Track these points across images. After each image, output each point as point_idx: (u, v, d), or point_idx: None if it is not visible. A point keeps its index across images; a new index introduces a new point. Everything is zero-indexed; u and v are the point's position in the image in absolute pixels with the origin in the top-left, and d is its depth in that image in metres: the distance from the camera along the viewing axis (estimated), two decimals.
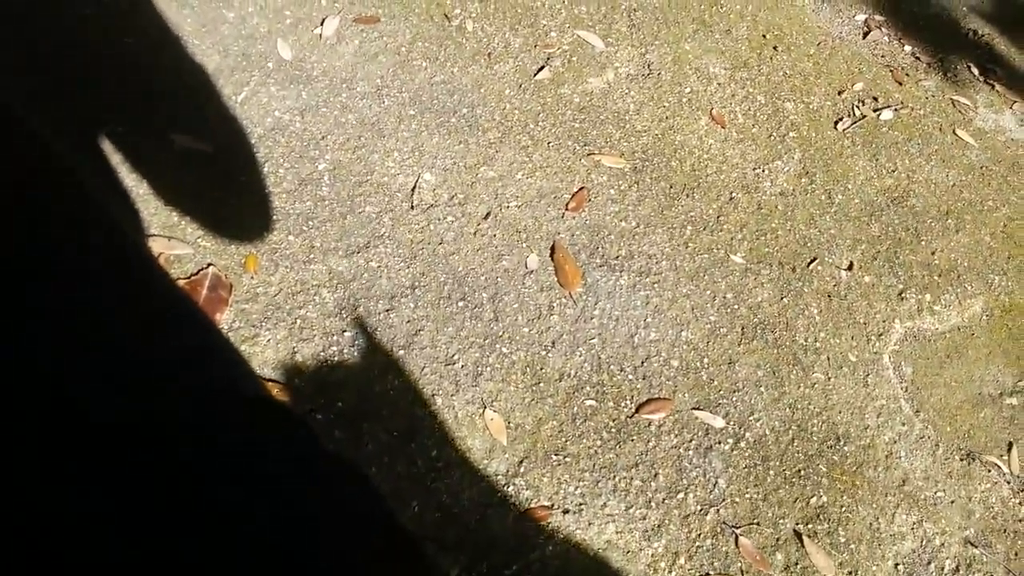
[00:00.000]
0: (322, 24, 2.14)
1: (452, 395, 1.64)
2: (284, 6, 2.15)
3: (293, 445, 0.50)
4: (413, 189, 1.91)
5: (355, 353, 1.65)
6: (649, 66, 2.35)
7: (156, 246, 1.67)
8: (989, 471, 1.84)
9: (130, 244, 0.51)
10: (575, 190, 2.01)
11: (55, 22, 1.92)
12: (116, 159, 1.77)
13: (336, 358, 1.63)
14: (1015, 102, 2.67)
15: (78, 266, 0.45)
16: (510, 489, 1.56)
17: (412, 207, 1.88)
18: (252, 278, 1.69)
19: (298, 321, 1.66)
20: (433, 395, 1.63)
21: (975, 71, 2.73)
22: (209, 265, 1.68)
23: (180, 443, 0.41)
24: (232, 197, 1.79)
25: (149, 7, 2.03)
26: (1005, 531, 1.77)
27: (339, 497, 0.47)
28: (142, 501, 0.38)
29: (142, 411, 0.40)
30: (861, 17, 2.79)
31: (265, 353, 1.60)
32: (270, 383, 1.57)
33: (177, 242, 1.69)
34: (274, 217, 1.79)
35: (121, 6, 2.00)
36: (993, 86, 2.70)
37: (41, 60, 1.86)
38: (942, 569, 1.68)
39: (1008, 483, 1.84)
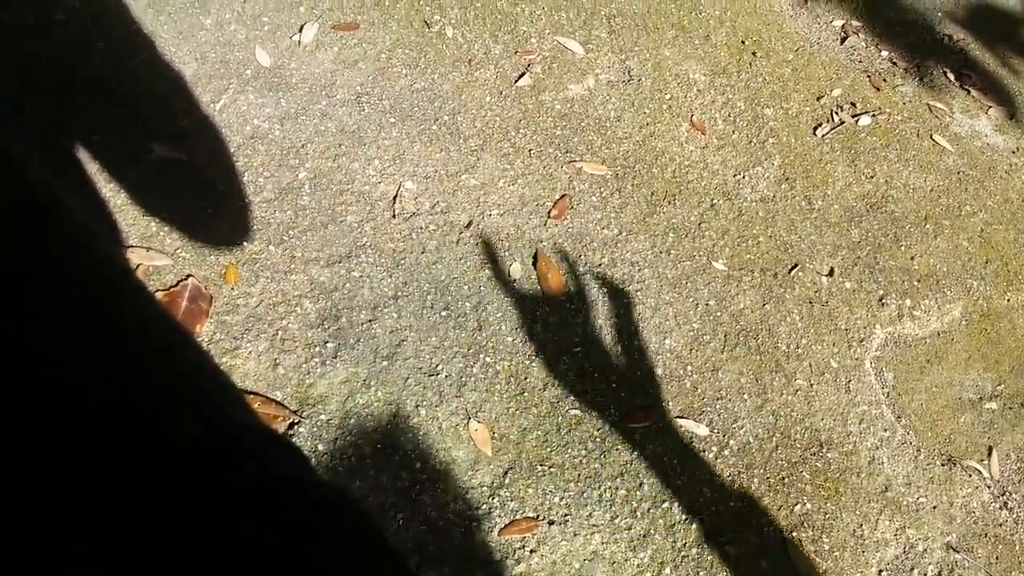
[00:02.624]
0: (301, 31, 2.12)
1: (436, 406, 1.63)
2: (262, 12, 2.13)
3: (281, 473, 0.49)
4: (395, 197, 1.89)
5: (337, 364, 1.63)
6: (629, 72, 2.35)
7: (135, 257, 1.65)
8: (970, 476, 1.85)
9: (108, 262, 0.49)
10: (557, 198, 2.01)
11: (26, 28, 1.89)
12: (92, 168, 1.74)
13: (318, 370, 1.61)
14: (990, 107, 2.71)
15: (53, 287, 0.43)
16: (495, 501, 1.55)
17: (394, 216, 1.87)
18: (232, 289, 1.67)
19: (279, 332, 1.64)
20: (417, 406, 1.62)
21: (951, 76, 2.76)
22: (188, 276, 1.65)
23: (160, 476, 0.39)
24: (211, 207, 1.76)
25: (124, 13, 2.00)
26: (986, 536, 1.78)
27: (328, 527, 0.46)
28: (123, 536, 0.36)
29: (116, 444, 0.39)
30: (838, 23, 2.81)
31: (246, 365, 1.58)
32: (251, 395, 1.55)
33: (156, 253, 1.67)
34: (254, 227, 1.77)
35: (95, 12, 1.97)
36: (969, 91, 2.73)
37: (12, 67, 1.82)
38: (925, 575, 1.69)
39: (988, 488, 1.85)
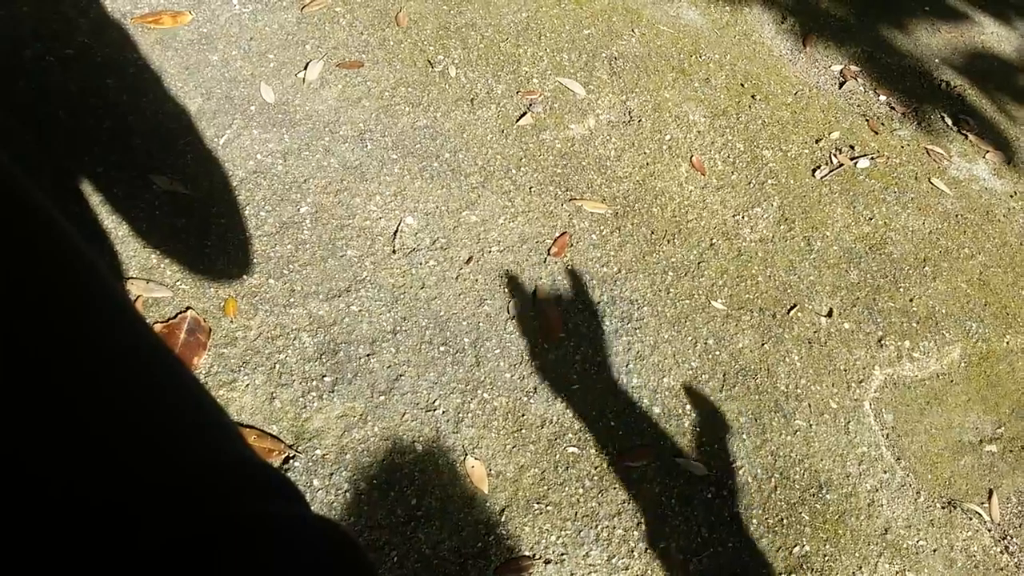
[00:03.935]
0: (306, 68, 2.15)
1: (433, 442, 1.62)
2: (268, 50, 2.16)
3: (276, 510, 0.48)
4: (395, 233, 1.91)
5: (335, 399, 1.62)
6: (630, 113, 2.38)
7: (135, 289, 1.65)
8: (970, 519, 1.84)
9: (111, 297, 0.50)
10: (557, 235, 2.02)
11: (37, 63, 1.92)
12: (95, 200, 1.75)
13: (315, 404, 1.61)
14: (988, 151, 2.73)
15: (51, 323, 0.43)
16: (491, 539, 1.53)
17: (394, 251, 1.88)
18: (231, 322, 1.67)
19: (277, 366, 1.64)
20: (414, 442, 1.61)
21: (948, 121, 2.79)
22: (188, 308, 1.66)
23: (151, 510, 0.39)
24: (212, 240, 1.77)
25: (133, 50, 2.03)
26: None
27: (322, 565, 0.46)
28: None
29: (112, 485, 0.39)
30: (837, 67, 2.85)
31: (243, 399, 1.58)
32: (247, 429, 1.55)
33: (156, 285, 1.67)
34: (254, 260, 1.78)
35: (105, 48, 2.00)
36: (966, 136, 2.75)
37: (21, 100, 1.85)
38: None
39: (989, 531, 1.83)
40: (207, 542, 0.39)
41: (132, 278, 1.67)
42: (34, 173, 1.74)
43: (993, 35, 3.21)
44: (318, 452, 1.55)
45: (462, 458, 1.61)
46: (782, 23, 2.94)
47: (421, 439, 1.62)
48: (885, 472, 1.85)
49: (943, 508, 1.84)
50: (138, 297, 1.64)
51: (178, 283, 1.69)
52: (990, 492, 1.90)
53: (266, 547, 0.42)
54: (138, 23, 2.09)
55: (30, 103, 1.85)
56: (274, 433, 1.55)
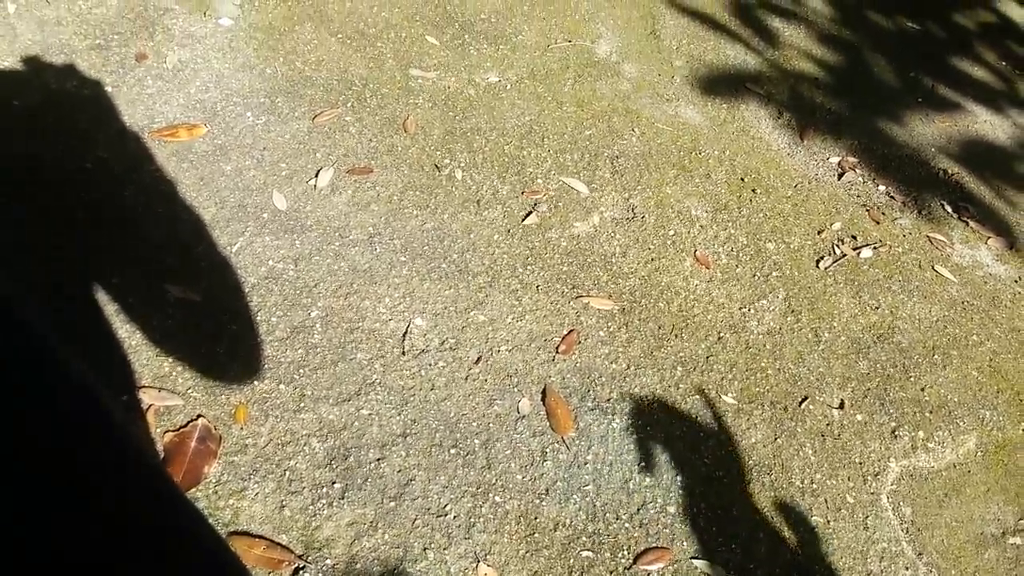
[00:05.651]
0: (317, 175, 2.22)
1: (444, 549, 1.59)
2: (280, 159, 2.23)
3: None
4: (404, 335, 1.92)
5: (345, 506, 1.61)
6: (633, 210, 2.42)
7: (147, 398, 1.66)
8: None
9: (127, 446, 0.51)
10: (565, 333, 2.03)
11: (56, 175, 1.98)
12: (110, 310, 1.78)
13: (325, 511, 1.59)
14: (989, 237, 2.76)
15: (61, 468, 0.45)
16: None
17: (403, 353, 1.89)
18: (242, 429, 1.67)
19: (287, 473, 1.63)
20: (425, 549, 1.59)
21: (948, 208, 2.83)
22: (199, 416, 1.66)
23: None
24: (224, 346, 1.79)
25: (150, 162, 2.10)
26: None
27: None
28: None
29: None
30: (835, 159, 2.91)
31: (253, 508, 1.57)
32: (257, 539, 1.53)
33: (168, 393, 1.69)
34: (265, 366, 1.79)
35: (122, 161, 2.07)
36: (967, 223, 2.79)
37: (41, 212, 1.90)
38: None
39: None
40: None
41: (144, 387, 1.68)
42: (51, 283, 1.77)
43: (987, 123, 3.28)
44: (328, 562, 1.53)
45: (474, 565, 1.59)
46: (779, 118, 3.02)
47: (432, 546, 1.59)
48: (907, 568, 1.80)
49: None
50: (150, 406, 1.65)
51: (190, 390, 1.71)
52: None
53: None
54: (155, 137, 2.16)
55: (50, 214, 1.90)
56: (284, 543, 1.53)
